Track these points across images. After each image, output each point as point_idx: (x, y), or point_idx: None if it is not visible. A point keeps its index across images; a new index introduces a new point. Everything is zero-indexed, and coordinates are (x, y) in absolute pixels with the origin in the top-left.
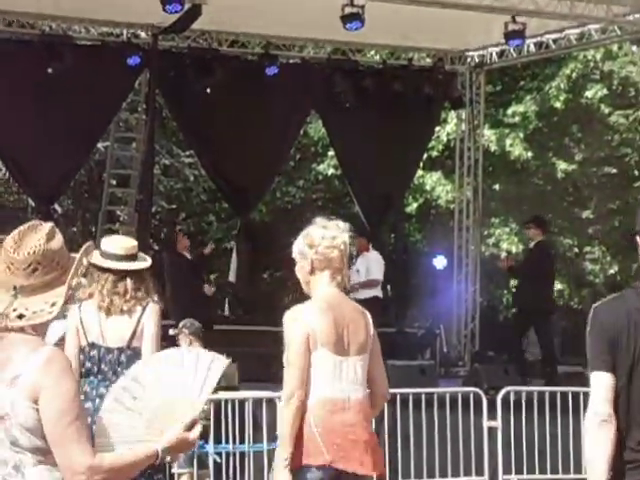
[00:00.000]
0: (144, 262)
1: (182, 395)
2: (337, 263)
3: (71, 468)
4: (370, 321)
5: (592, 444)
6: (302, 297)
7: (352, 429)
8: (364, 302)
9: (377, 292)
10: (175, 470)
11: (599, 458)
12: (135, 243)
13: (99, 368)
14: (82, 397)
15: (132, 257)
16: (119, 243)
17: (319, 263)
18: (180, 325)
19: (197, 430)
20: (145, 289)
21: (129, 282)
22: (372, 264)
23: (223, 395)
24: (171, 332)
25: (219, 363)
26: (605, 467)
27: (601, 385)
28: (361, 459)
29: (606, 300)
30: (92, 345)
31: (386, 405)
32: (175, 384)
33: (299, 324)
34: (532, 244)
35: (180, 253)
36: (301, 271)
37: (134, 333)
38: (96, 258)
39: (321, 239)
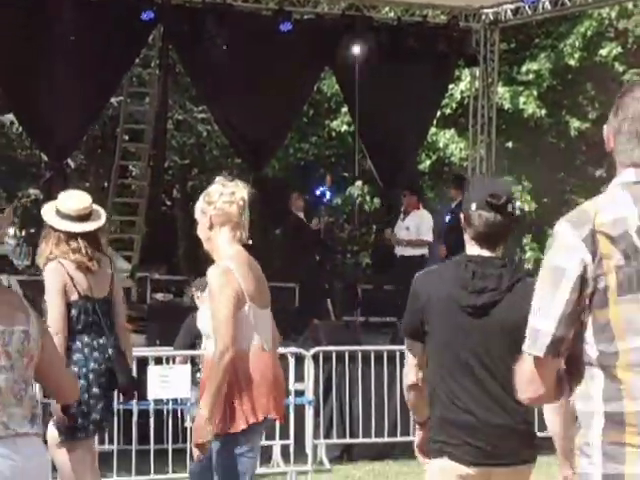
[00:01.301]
0: (98, 221)
1: None
2: (236, 218)
3: None
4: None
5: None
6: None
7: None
8: (409, 259)
9: (424, 251)
10: (188, 424)
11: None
12: (87, 203)
13: (94, 320)
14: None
15: (86, 217)
16: (72, 205)
17: (217, 218)
18: (193, 284)
19: None
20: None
21: (81, 241)
22: (424, 223)
23: None
24: (191, 290)
25: None
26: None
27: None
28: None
29: (427, 270)
30: (86, 298)
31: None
32: None
33: (229, 280)
34: (453, 204)
35: (295, 214)
36: (202, 229)
37: (111, 285)
38: (53, 218)
39: (219, 195)
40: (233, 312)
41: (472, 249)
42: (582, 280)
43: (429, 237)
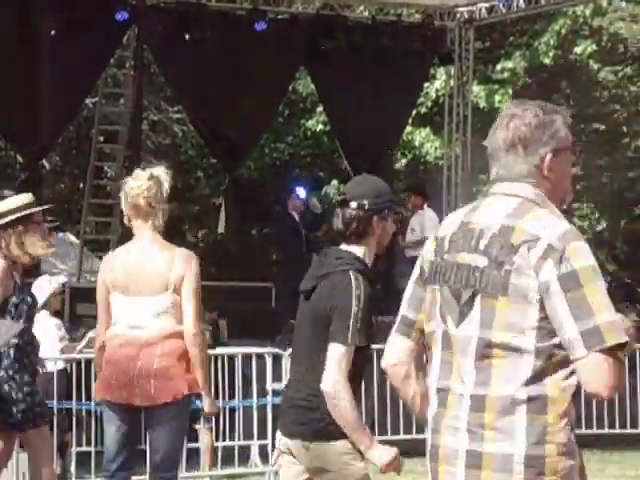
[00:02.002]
0: None
1: None
2: (146, 208)
3: None
4: (179, 261)
5: None
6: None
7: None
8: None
9: None
10: None
11: None
12: None
13: None
14: None
15: None
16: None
17: (130, 211)
18: None
19: None
20: None
21: None
22: (427, 222)
23: (213, 351)
24: None
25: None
26: None
27: None
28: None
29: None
30: None
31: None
32: None
33: (100, 272)
34: None
35: (290, 214)
36: (127, 222)
37: None
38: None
39: (130, 189)
40: (98, 299)
41: None
42: None
43: None
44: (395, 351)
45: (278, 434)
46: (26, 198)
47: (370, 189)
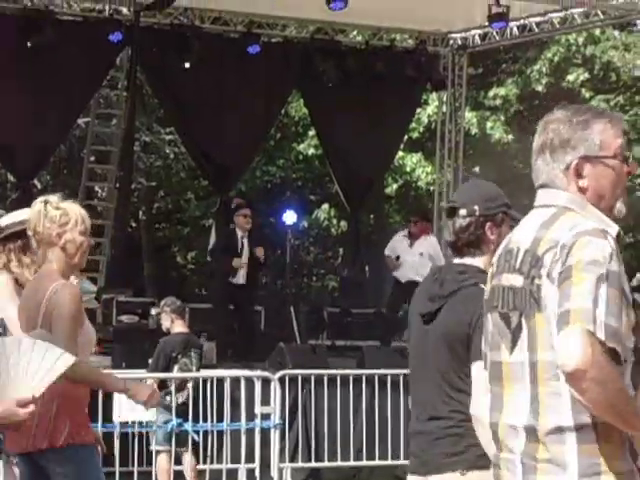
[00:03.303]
0: None
1: (21, 380)
2: (35, 241)
3: None
4: (47, 295)
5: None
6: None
7: None
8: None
9: None
10: (153, 447)
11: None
12: None
13: None
14: None
15: None
16: None
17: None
18: (162, 303)
19: (28, 410)
20: None
21: None
22: (437, 249)
23: (201, 374)
24: (153, 312)
25: (64, 360)
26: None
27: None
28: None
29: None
30: None
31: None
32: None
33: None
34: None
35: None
36: None
37: None
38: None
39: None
40: None
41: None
42: None
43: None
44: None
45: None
46: (26, 213)
47: (480, 193)
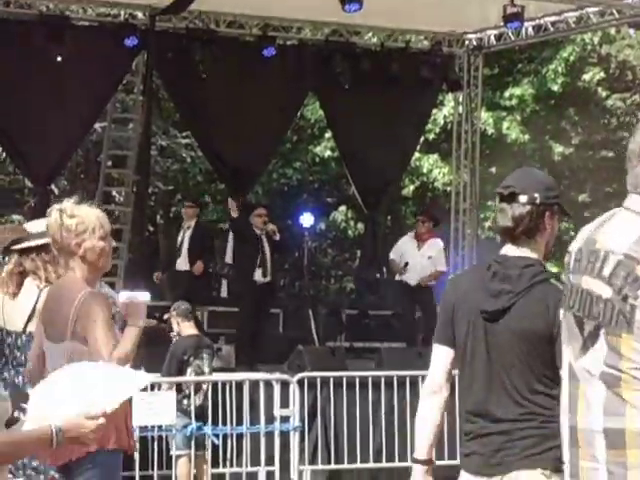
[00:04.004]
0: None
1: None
2: (55, 250)
3: None
4: (76, 304)
5: (418, 414)
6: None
7: None
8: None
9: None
10: (173, 452)
11: (420, 428)
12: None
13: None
14: None
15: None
16: None
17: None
18: (171, 308)
19: (96, 424)
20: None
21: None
22: (442, 253)
23: (220, 377)
24: (165, 316)
25: (139, 380)
26: (424, 437)
27: (435, 357)
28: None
29: (458, 273)
30: None
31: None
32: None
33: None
34: None
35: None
36: None
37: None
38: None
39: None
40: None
41: (503, 248)
42: None
43: (444, 267)
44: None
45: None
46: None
47: (540, 181)
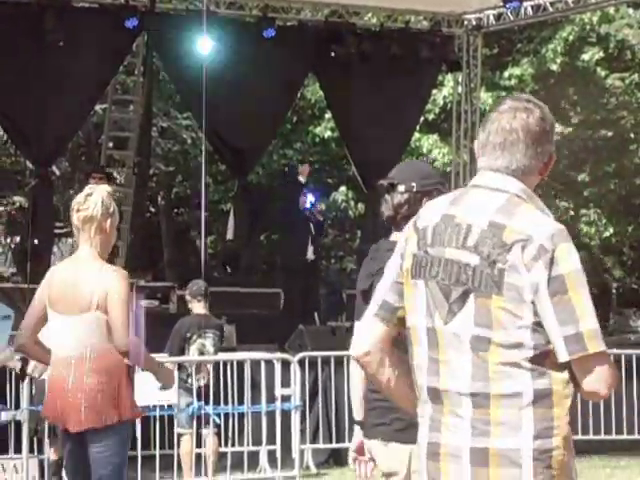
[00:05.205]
0: None
1: None
2: (79, 225)
3: None
4: (104, 281)
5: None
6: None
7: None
8: None
9: None
10: (176, 430)
11: (352, 396)
12: None
13: None
14: None
15: None
16: None
17: (74, 227)
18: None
19: None
20: None
21: None
22: None
23: (222, 357)
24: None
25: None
26: (357, 404)
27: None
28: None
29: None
30: None
31: None
32: None
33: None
34: None
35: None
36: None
37: None
38: None
39: (74, 204)
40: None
41: (391, 235)
42: None
43: None
44: (370, 338)
45: None
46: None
47: (417, 171)
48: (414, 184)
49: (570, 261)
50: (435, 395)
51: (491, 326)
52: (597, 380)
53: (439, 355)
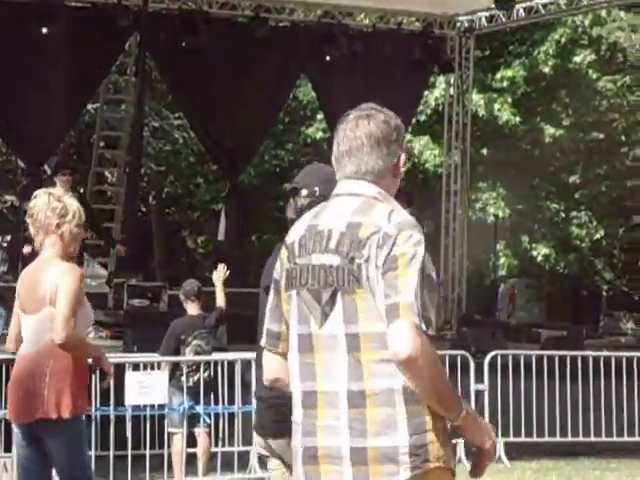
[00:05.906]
0: None
1: None
2: (33, 230)
3: None
4: (55, 277)
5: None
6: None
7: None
8: None
9: None
10: (166, 429)
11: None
12: None
13: None
14: None
15: None
16: None
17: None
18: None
19: None
20: None
21: None
22: None
23: (213, 357)
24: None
25: None
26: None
27: None
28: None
29: None
30: None
31: None
32: None
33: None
34: None
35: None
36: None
37: None
38: None
39: (32, 207)
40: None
41: None
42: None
43: None
44: (272, 368)
45: None
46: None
47: (320, 175)
48: (317, 188)
49: (408, 244)
50: (309, 400)
51: (357, 320)
52: (399, 342)
53: (315, 359)
